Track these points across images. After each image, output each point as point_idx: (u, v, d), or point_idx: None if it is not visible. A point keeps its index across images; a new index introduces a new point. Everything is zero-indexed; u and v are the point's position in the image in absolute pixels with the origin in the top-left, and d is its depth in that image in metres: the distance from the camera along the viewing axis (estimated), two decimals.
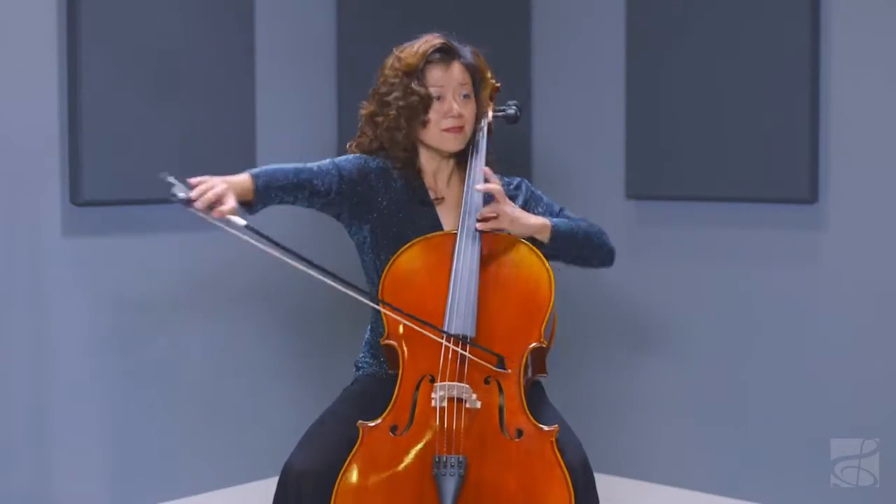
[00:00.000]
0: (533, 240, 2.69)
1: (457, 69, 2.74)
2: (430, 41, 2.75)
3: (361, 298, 2.52)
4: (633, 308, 4.24)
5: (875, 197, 3.70)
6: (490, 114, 2.82)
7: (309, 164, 2.68)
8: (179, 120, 3.75)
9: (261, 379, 4.09)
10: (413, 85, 2.70)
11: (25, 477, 3.55)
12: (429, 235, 2.66)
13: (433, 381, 2.53)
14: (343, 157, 2.77)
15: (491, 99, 2.84)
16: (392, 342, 2.58)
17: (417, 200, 2.76)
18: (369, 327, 2.82)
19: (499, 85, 2.87)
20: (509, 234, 2.66)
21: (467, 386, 2.51)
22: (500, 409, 2.52)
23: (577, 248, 2.77)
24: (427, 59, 2.72)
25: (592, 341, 4.30)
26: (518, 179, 2.87)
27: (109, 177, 3.60)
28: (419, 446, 2.50)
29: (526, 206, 2.79)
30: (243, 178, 2.55)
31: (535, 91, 4.42)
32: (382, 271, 2.63)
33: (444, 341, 2.53)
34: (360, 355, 2.84)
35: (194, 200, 2.35)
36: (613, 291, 4.24)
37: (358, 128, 2.83)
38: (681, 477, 4.11)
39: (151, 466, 3.82)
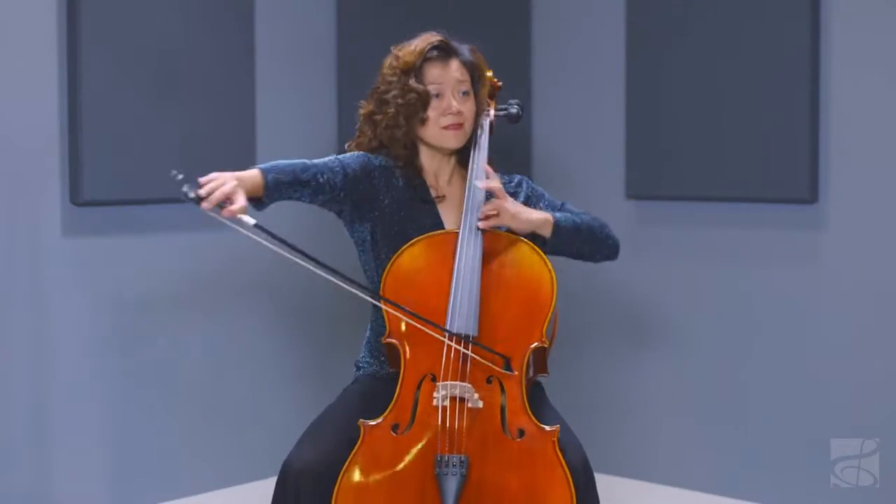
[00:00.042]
0: (535, 236, 2.68)
1: (455, 66, 2.74)
2: (427, 39, 2.75)
3: (372, 300, 2.52)
4: (633, 308, 4.23)
5: (875, 197, 3.70)
6: (492, 113, 2.82)
7: (314, 161, 2.68)
8: (179, 120, 3.75)
9: (261, 379, 4.09)
10: (411, 83, 2.70)
11: (25, 477, 3.55)
12: (430, 234, 2.66)
13: (435, 380, 2.52)
14: (347, 154, 2.77)
15: (492, 98, 2.84)
16: (393, 340, 2.58)
17: (419, 199, 2.75)
18: (369, 326, 2.82)
19: (500, 84, 2.87)
20: (511, 231, 2.65)
21: (469, 385, 2.50)
22: (502, 409, 2.51)
23: (580, 242, 2.76)
24: (425, 57, 2.72)
25: (593, 341, 4.30)
26: (518, 177, 2.86)
27: (109, 177, 3.60)
28: (420, 445, 2.50)
29: (527, 204, 2.79)
30: (253, 174, 2.55)
31: (535, 91, 4.42)
32: (383, 270, 2.63)
33: (446, 340, 2.52)
34: (361, 355, 2.83)
35: (204, 199, 2.35)
36: (613, 291, 4.24)
37: (356, 128, 2.83)
38: (681, 477, 4.11)
39: (151, 466, 3.82)
